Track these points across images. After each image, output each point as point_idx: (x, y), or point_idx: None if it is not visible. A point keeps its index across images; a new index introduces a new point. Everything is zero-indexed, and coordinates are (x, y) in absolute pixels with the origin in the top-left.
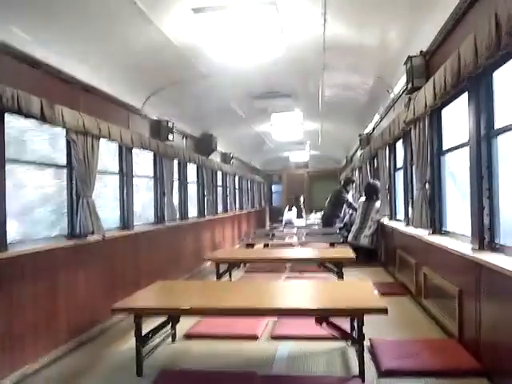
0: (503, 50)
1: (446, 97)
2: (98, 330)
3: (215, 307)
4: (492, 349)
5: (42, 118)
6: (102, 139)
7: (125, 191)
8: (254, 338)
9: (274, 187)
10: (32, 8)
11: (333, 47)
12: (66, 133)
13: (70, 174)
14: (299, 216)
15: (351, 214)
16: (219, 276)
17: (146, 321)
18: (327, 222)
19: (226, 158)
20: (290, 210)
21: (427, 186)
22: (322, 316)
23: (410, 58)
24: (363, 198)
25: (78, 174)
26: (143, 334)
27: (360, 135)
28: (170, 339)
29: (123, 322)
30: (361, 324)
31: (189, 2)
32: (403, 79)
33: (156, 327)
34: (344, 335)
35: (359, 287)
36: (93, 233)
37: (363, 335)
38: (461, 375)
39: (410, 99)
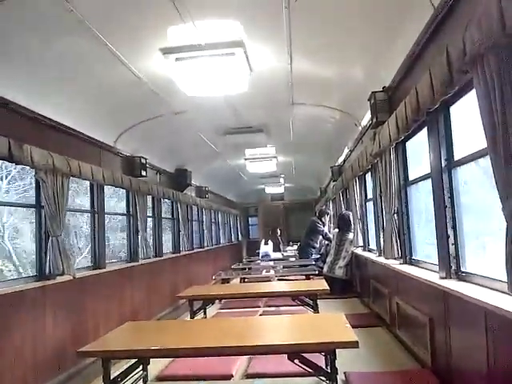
0: (456, 87)
1: (408, 130)
2: (67, 375)
3: (187, 347)
4: (462, 377)
5: (10, 158)
6: (72, 177)
7: (96, 229)
8: (229, 377)
9: (250, 220)
10: None
11: (300, 83)
12: (35, 172)
13: (39, 213)
14: (276, 249)
15: (327, 245)
16: (193, 314)
17: (119, 362)
18: (303, 252)
19: (201, 192)
20: (266, 243)
21: (395, 216)
22: (294, 352)
23: (373, 93)
24: (337, 230)
25: (48, 213)
26: (112, 378)
27: (332, 167)
28: (141, 382)
29: (93, 366)
30: (333, 358)
31: (157, 42)
32: (369, 113)
33: (126, 369)
34: (318, 370)
35: (332, 320)
36: (63, 273)
37: (336, 370)
38: None
39: (375, 133)
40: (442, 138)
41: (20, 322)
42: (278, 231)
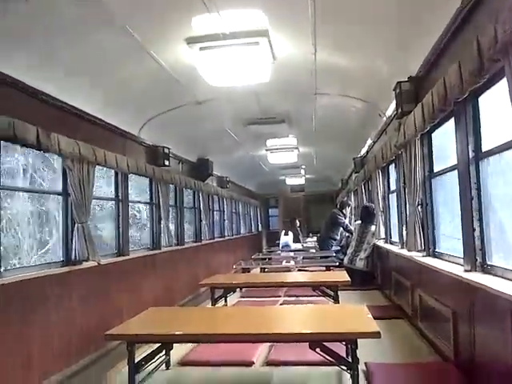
0: (486, 76)
1: (435, 121)
2: (92, 358)
3: (209, 333)
4: (485, 371)
5: (38, 146)
6: (97, 166)
7: (120, 217)
8: (250, 364)
9: (270, 211)
10: (30, 40)
11: (324, 74)
12: (62, 160)
13: (66, 201)
14: (296, 240)
15: (348, 237)
16: (214, 301)
17: (142, 347)
18: (323, 244)
19: (222, 182)
20: (286, 234)
21: (419, 208)
22: (315, 341)
23: (398, 83)
24: (359, 221)
25: (74, 201)
26: (136, 362)
27: (354, 158)
28: (164, 366)
29: (117, 349)
30: (354, 348)
31: (182, 32)
32: (394, 104)
33: (149, 354)
34: (339, 360)
35: (353, 311)
36: (88, 259)
37: (357, 360)
38: None
39: (400, 123)
40: (470, 129)
41: (48, 306)
42: (298, 222)
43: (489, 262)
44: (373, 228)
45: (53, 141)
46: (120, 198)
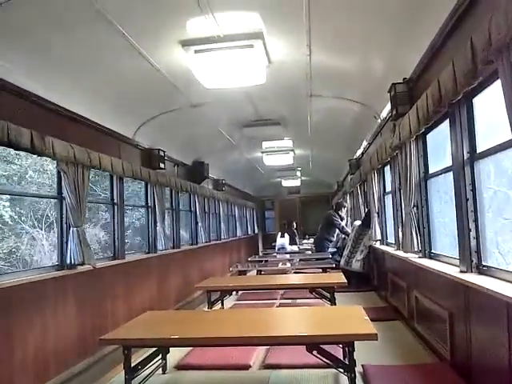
0: (479, 78)
1: (429, 123)
2: (89, 362)
3: (206, 337)
4: (482, 372)
5: (33, 150)
6: (92, 169)
7: (116, 221)
8: (247, 367)
9: (266, 213)
10: (20, 41)
11: (319, 75)
12: (57, 164)
13: (61, 205)
14: (292, 242)
15: (344, 239)
16: (211, 305)
17: (138, 351)
18: (319, 246)
19: (218, 184)
20: (282, 236)
21: (415, 209)
22: (312, 343)
23: (393, 85)
24: (358, 222)
25: (69, 204)
26: (132, 366)
27: (349, 160)
28: (160, 370)
29: (113, 354)
30: (351, 350)
31: (177, 35)
32: (389, 105)
33: (145, 358)
34: (336, 362)
35: (350, 313)
36: (83, 263)
37: (354, 362)
38: None
39: (394, 125)
40: (465, 130)
41: (42, 310)
42: (294, 224)
43: (484, 263)
44: (370, 231)
45: (47, 144)
46: (115, 201)
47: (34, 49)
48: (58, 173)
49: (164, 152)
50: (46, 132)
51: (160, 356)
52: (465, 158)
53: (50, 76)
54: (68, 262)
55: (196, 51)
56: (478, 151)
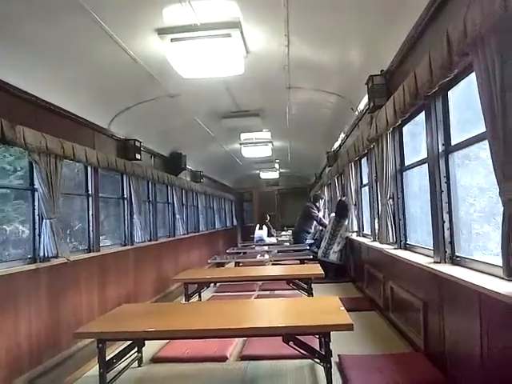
0: (455, 70)
1: (406, 115)
2: (62, 357)
3: (182, 329)
4: (455, 360)
5: (3, 139)
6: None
7: (91, 212)
8: (223, 359)
9: (245, 205)
10: None
11: (297, 67)
12: (28, 154)
13: (33, 196)
14: (269, 234)
15: (321, 230)
16: (188, 297)
17: (114, 344)
18: (297, 237)
19: (196, 176)
20: (260, 228)
21: (391, 201)
22: (288, 334)
23: (371, 77)
24: (333, 214)
25: (42, 195)
26: (107, 359)
27: (327, 152)
28: (136, 363)
29: (87, 348)
30: (327, 340)
31: (153, 23)
32: (366, 98)
33: (121, 351)
34: (312, 353)
35: (326, 304)
36: (57, 255)
37: (330, 352)
38: None
39: (372, 117)
40: (440, 123)
41: (15, 304)
42: (268, 217)
43: (457, 254)
44: (347, 222)
45: (18, 134)
46: (90, 192)
47: (6, 37)
48: (30, 163)
49: (140, 143)
50: (17, 121)
51: (135, 349)
52: (440, 150)
53: (22, 64)
54: (41, 254)
55: (172, 40)
56: (452, 143)
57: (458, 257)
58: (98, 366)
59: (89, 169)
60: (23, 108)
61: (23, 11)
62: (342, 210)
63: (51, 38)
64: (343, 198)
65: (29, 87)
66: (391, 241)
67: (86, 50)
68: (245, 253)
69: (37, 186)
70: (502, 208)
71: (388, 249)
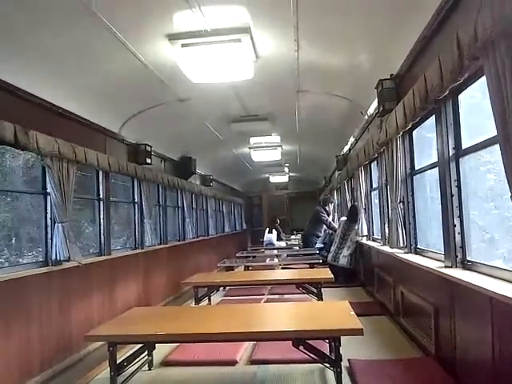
0: (465, 74)
1: (416, 119)
2: (73, 360)
3: (192, 333)
4: (466, 366)
5: (16, 144)
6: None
7: (102, 216)
8: (233, 363)
9: (255, 209)
10: (3, 36)
11: (307, 71)
12: (41, 158)
13: (45, 200)
14: (278, 238)
15: (331, 234)
16: (198, 300)
17: (124, 347)
18: (307, 241)
19: (205, 180)
20: (270, 231)
21: (401, 205)
22: (298, 338)
23: (380, 81)
24: (344, 218)
25: (54, 200)
26: (118, 362)
27: (337, 156)
28: (146, 367)
29: (98, 351)
30: (338, 345)
31: (164, 28)
32: (376, 102)
33: (131, 355)
34: (322, 357)
35: (336, 308)
36: (69, 259)
37: (340, 356)
38: None
39: (381, 121)
40: (450, 127)
41: (26, 307)
42: (278, 221)
43: (469, 258)
44: (357, 226)
45: (31, 139)
46: (101, 197)
47: (19, 43)
48: (43, 168)
49: (151, 147)
50: (30, 127)
51: (146, 352)
52: (450, 154)
53: (35, 71)
54: (53, 258)
55: (183, 45)
56: (463, 147)
57: (469, 261)
58: (108, 369)
59: (100, 173)
60: (36, 113)
61: (35, 18)
62: (354, 215)
63: (64, 44)
64: (356, 203)
65: (41, 93)
66: (401, 245)
67: (97, 55)
68: (254, 257)
69: (49, 190)
70: None
71: (398, 253)
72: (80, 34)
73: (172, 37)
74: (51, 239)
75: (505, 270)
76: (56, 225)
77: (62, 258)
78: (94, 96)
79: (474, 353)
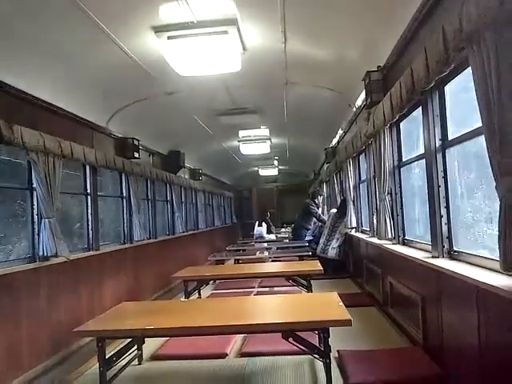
0: (451, 65)
1: (403, 111)
2: (62, 356)
3: (181, 327)
4: (453, 354)
5: (0, 139)
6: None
7: (89, 211)
8: (223, 356)
9: (245, 202)
10: None
11: (294, 63)
12: (26, 153)
13: (31, 195)
14: (269, 231)
15: (320, 227)
16: (188, 294)
17: (114, 342)
18: (297, 234)
19: (194, 174)
20: (260, 224)
21: (389, 197)
22: (288, 330)
23: (368, 73)
24: (334, 210)
25: (40, 195)
26: (107, 357)
27: (326, 149)
28: (136, 361)
29: (88, 346)
30: (327, 336)
31: (149, 21)
32: (363, 94)
33: (121, 349)
34: (311, 348)
35: (325, 300)
36: (56, 255)
37: (329, 347)
38: (425, 383)
39: (369, 113)
40: (437, 118)
41: (14, 303)
42: (268, 214)
43: (455, 248)
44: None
45: (16, 133)
46: (89, 192)
47: (3, 37)
48: (29, 163)
49: (138, 141)
50: (15, 121)
51: (135, 347)
52: (437, 145)
53: (19, 64)
54: (40, 254)
55: (169, 37)
56: (449, 138)
57: (455, 251)
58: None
59: (87, 167)
60: (21, 108)
61: (19, 10)
62: (344, 208)
63: (48, 37)
64: (346, 197)
65: (26, 87)
66: (389, 236)
67: (82, 48)
68: (244, 250)
69: (35, 185)
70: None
71: (386, 244)
72: (65, 26)
73: (158, 29)
74: (38, 235)
75: (490, 259)
76: (43, 220)
77: (49, 254)
78: (81, 90)
79: (460, 341)
